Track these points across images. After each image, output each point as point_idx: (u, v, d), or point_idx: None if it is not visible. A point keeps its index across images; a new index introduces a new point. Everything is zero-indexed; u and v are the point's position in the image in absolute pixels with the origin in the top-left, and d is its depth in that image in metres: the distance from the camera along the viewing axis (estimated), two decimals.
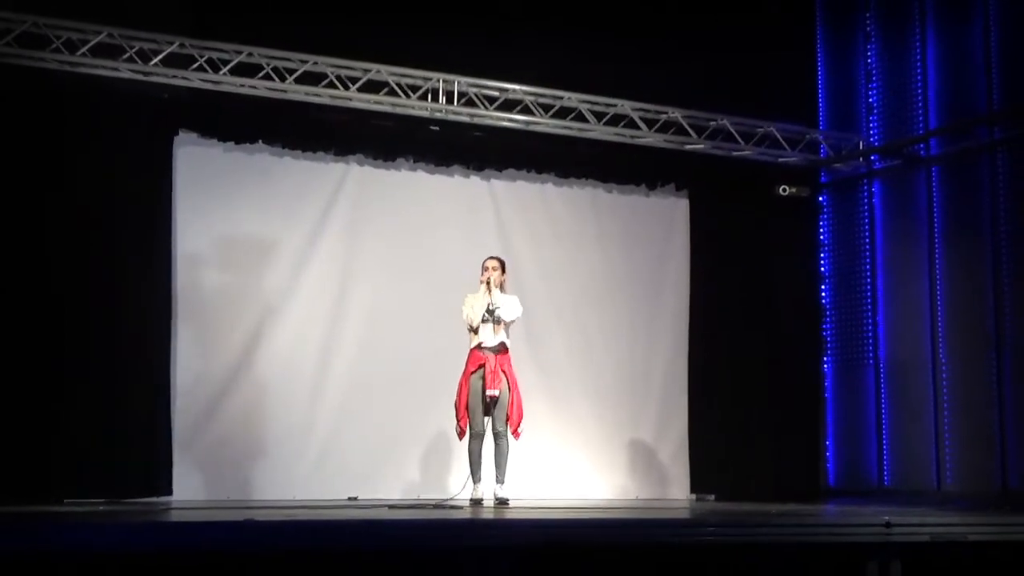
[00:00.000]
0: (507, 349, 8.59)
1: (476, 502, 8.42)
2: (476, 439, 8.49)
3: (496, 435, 8.46)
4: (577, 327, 10.66)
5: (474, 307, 8.59)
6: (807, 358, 11.49)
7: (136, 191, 9.22)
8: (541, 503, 8.80)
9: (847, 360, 11.40)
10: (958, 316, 10.37)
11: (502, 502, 8.33)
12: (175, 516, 6.85)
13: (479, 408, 8.44)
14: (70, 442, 8.68)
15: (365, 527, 5.84)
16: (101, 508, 7.93)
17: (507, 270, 8.84)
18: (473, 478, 8.51)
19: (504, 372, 8.50)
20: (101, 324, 8.96)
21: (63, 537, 5.12)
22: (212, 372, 9.44)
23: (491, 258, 8.78)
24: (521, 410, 8.57)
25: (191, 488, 9.11)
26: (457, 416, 8.55)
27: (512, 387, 8.54)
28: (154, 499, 8.90)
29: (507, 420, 8.47)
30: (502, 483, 8.44)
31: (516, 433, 8.54)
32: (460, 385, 8.57)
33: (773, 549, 6.09)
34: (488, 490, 8.53)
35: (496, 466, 8.47)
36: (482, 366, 8.46)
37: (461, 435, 8.59)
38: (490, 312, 8.51)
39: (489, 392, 8.38)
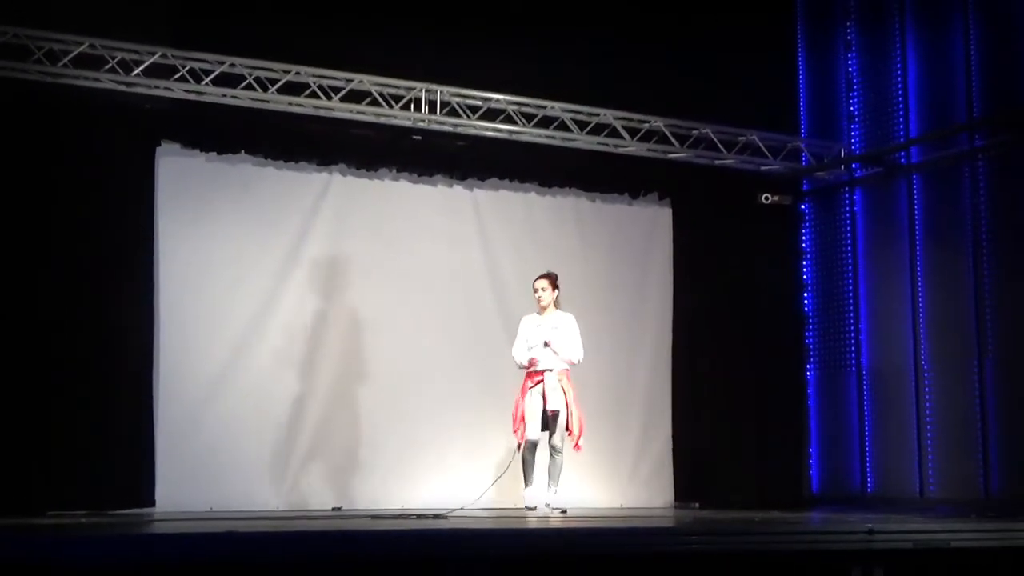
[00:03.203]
0: (566, 370, 8.74)
1: (531, 509, 8.58)
2: (530, 449, 8.62)
3: (553, 449, 8.62)
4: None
5: (527, 329, 8.78)
6: (790, 366, 11.52)
7: (118, 202, 9.20)
8: (525, 512, 8.80)
9: (830, 367, 11.43)
10: (940, 323, 10.40)
11: (563, 512, 8.50)
12: (158, 528, 6.83)
13: (535, 420, 8.57)
14: (52, 454, 8.64)
15: (349, 538, 5.82)
16: (83, 520, 7.89)
17: (558, 284, 8.95)
18: (526, 482, 8.65)
19: (563, 389, 8.64)
20: (83, 334, 8.92)
21: (45, 549, 5.10)
22: (195, 382, 9.40)
23: (539, 278, 8.93)
24: (582, 424, 8.72)
25: (174, 499, 9.06)
26: (514, 428, 8.67)
27: (572, 402, 8.67)
28: (137, 511, 8.87)
29: (567, 434, 8.63)
30: (556, 492, 8.64)
31: (577, 446, 8.73)
32: (517, 398, 8.70)
33: (757, 557, 6.10)
34: (540, 498, 8.72)
35: (550, 477, 8.65)
36: (540, 382, 8.61)
37: (520, 447, 8.67)
38: (547, 336, 8.71)
39: (550, 407, 8.54)
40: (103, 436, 8.88)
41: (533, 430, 8.56)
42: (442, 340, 10.12)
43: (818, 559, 6.18)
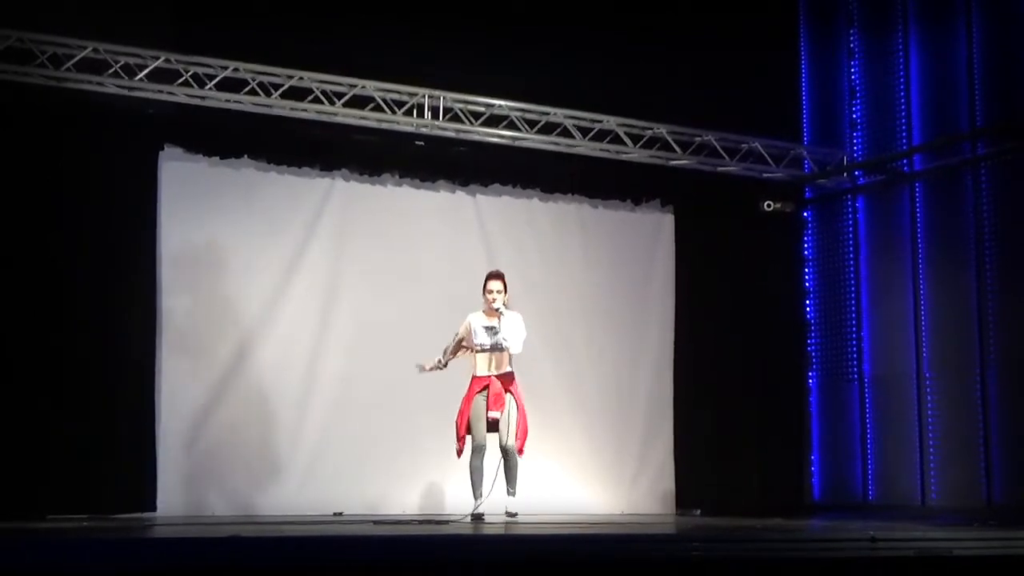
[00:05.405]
0: (511, 374, 8.42)
1: (477, 517, 8.20)
2: (477, 454, 8.29)
3: (504, 450, 8.30)
4: (562, 342, 10.66)
5: (473, 328, 8.41)
6: (792, 373, 11.52)
7: (121, 206, 9.22)
8: (526, 518, 8.79)
9: (832, 375, 11.43)
10: (942, 331, 10.41)
11: (511, 516, 8.26)
12: (159, 532, 6.82)
13: (480, 424, 8.29)
14: (53, 458, 8.65)
15: (350, 543, 5.82)
16: (85, 524, 7.89)
17: (506, 285, 8.50)
18: (474, 493, 8.31)
19: (511, 393, 8.34)
20: (85, 338, 8.93)
21: (46, 554, 5.09)
22: (197, 387, 9.41)
23: (493, 278, 8.46)
24: (526, 430, 8.40)
25: (175, 504, 9.07)
26: (457, 436, 8.37)
27: (519, 407, 8.35)
28: (138, 515, 8.87)
29: (514, 436, 8.30)
30: (513, 494, 8.34)
31: (520, 451, 8.38)
32: (461, 405, 8.39)
33: (759, 564, 6.09)
34: (490, 506, 8.32)
35: (506, 479, 8.33)
36: (486, 387, 8.32)
37: (459, 455, 8.42)
38: (494, 339, 8.33)
39: (491, 414, 8.25)
40: (105, 440, 8.89)
41: (479, 435, 8.27)
42: (444, 345, 10.10)
43: (820, 567, 6.17)
